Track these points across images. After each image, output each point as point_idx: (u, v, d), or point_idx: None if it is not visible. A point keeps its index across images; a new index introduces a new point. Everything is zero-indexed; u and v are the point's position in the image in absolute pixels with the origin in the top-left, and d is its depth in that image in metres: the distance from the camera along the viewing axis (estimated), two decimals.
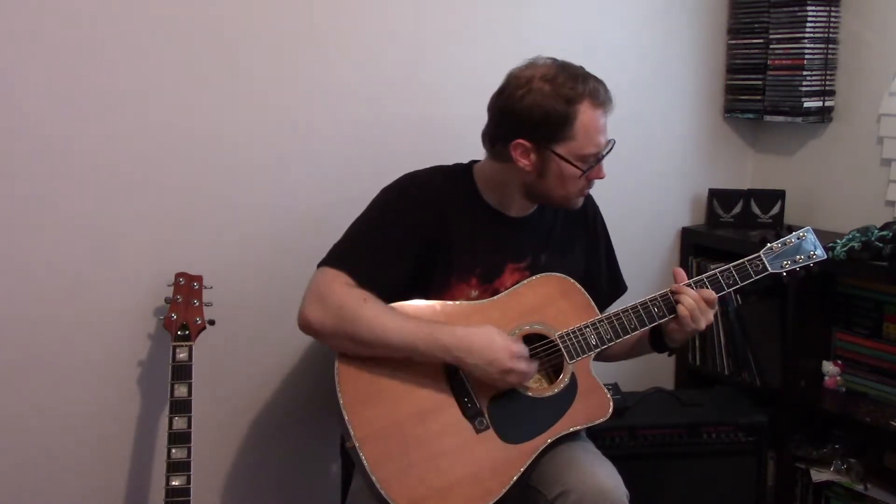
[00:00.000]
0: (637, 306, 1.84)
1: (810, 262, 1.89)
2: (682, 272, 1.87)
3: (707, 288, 1.85)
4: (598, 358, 1.89)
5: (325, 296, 1.71)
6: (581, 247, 2.01)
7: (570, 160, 1.76)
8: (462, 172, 1.91)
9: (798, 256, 1.89)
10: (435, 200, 1.83)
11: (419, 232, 1.80)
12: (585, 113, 1.74)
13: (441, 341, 1.70)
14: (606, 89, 1.78)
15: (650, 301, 1.84)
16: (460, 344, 1.70)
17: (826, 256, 1.92)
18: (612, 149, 1.81)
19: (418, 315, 1.76)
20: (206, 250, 2.04)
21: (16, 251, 1.83)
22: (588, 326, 1.83)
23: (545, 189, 1.82)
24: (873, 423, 2.40)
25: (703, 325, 1.81)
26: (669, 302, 1.83)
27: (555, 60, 1.79)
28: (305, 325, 1.73)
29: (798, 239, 1.90)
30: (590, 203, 2.04)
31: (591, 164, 1.79)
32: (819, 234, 1.96)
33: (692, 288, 1.83)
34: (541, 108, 1.73)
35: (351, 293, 1.71)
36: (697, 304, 1.80)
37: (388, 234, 1.79)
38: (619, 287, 2.08)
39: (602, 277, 2.03)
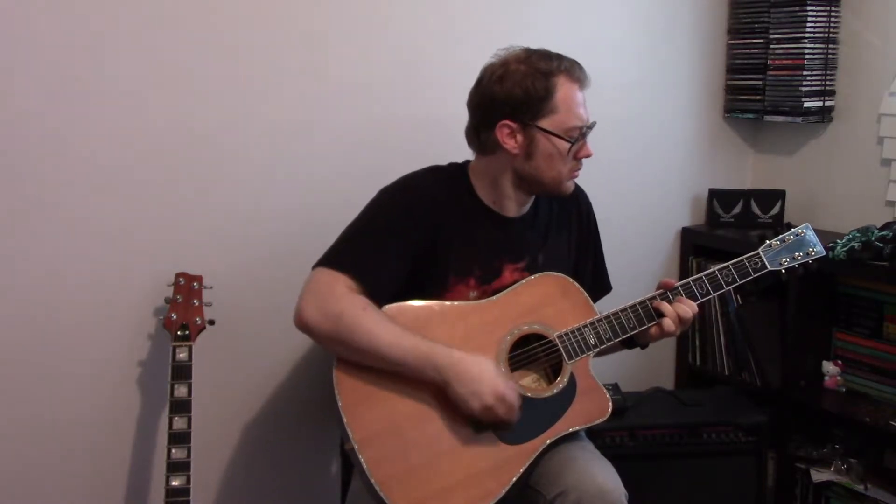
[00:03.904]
0: (636, 305, 1.84)
1: (809, 259, 1.90)
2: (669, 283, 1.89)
3: (704, 286, 1.87)
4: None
5: (325, 299, 1.71)
6: (572, 242, 2.01)
7: (556, 133, 1.77)
8: (458, 172, 1.91)
9: (797, 253, 1.89)
10: (432, 202, 1.83)
11: (417, 234, 1.80)
12: (564, 86, 1.77)
13: (434, 361, 1.68)
14: (581, 68, 1.81)
15: (648, 300, 1.84)
16: (452, 367, 1.68)
17: (825, 253, 1.92)
18: (593, 127, 1.82)
19: (416, 317, 1.76)
20: (206, 250, 2.04)
21: (15, 251, 1.84)
22: (587, 326, 1.83)
23: (535, 171, 1.82)
24: (873, 423, 2.40)
25: (679, 331, 1.85)
26: (668, 300, 1.84)
27: (525, 47, 1.82)
28: (302, 325, 1.73)
29: (796, 236, 1.91)
30: (583, 199, 2.04)
31: (577, 138, 1.79)
32: (819, 234, 1.96)
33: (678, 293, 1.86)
34: (520, 87, 1.76)
35: (351, 300, 1.71)
36: (682, 320, 1.83)
37: (386, 236, 1.79)
38: (603, 286, 2.07)
39: (587, 273, 2.02)
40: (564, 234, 2.00)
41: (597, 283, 2.05)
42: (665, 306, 1.83)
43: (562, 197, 1.92)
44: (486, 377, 1.68)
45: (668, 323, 1.82)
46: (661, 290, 1.86)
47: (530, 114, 1.77)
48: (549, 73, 1.77)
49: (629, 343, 1.92)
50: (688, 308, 1.84)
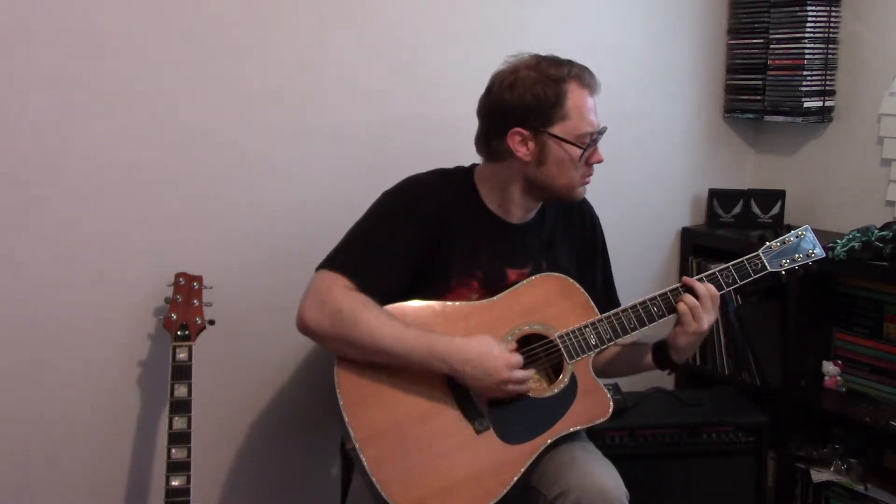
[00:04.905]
0: (636, 305, 1.84)
1: (809, 261, 1.89)
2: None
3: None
4: (601, 374, 1.89)
5: (324, 299, 1.71)
6: (576, 256, 2.01)
7: (568, 140, 1.77)
8: (463, 176, 1.91)
9: (797, 255, 1.89)
10: (436, 205, 1.83)
11: (420, 237, 1.80)
12: (575, 92, 1.77)
13: (438, 352, 1.69)
14: (591, 74, 1.81)
15: (649, 300, 1.84)
16: (458, 355, 1.69)
17: (825, 255, 1.92)
18: (604, 132, 1.82)
19: (417, 317, 1.76)
20: (206, 250, 2.04)
21: (16, 251, 1.83)
22: (587, 326, 1.82)
23: (546, 178, 1.81)
24: (873, 423, 2.40)
25: (705, 324, 1.80)
26: (669, 301, 1.83)
27: (535, 54, 1.82)
28: (303, 327, 1.73)
29: (797, 238, 1.90)
30: (589, 213, 2.04)
31: (589, 144, 1.79)
32: (819, 234, 1.96)
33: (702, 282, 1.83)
34: (531, 94, 1.76)
35: (350, 297, 1.71)
36: (702, 302, 1.80)
37: (388, 239, 1.79)
38: (611, 303, 2.03)
39: (597, 293, 1.99)
40: (568, 244, 1.99)
41: (606, 301, 2.01)
42: (684, 296, 1.81)
43: (571, 204, 1.92)
44: (493, 352, 1.70)
45: (682, 306, 1.80)
46: (661, 291, 1.86)
47: (541, 120, 1.77)
48: (560, 80, 1.76)
49: (662, 364, 1.90)
50: (703, 288, 1.80)
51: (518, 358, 1.73)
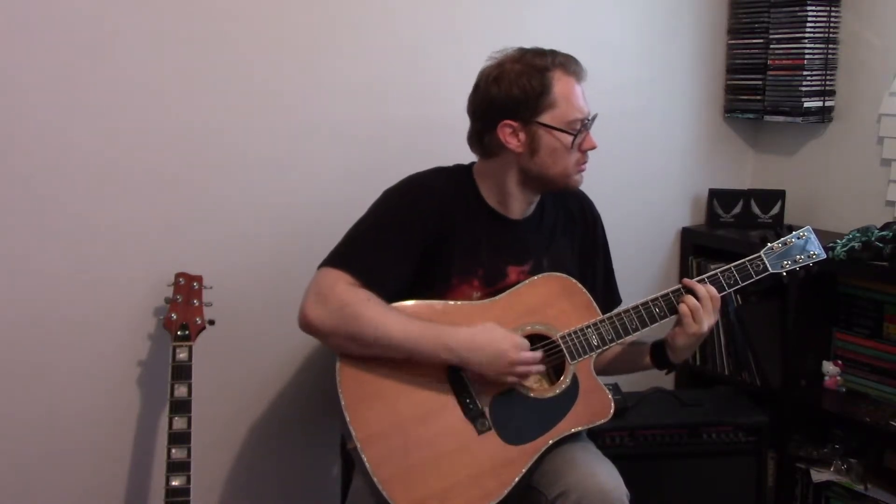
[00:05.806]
0: (638, 306, 1.84)
1: (810, 262, 1.89)
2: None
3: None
4: (600, 372, 1.89)
5: (326, 296, 1.71)
6: (578, 251, 2.01)
7: (557, 127, 1.78)
8: (463, 174, 1.91)
9: (798, 256, 1.89)
10: (437, 202, 1.83)
11: (422, 234, 1.80)
12: (560, 80, 1.78)
13: (445, 342, 1.70)
14: (577, 61, 1.82)
15: (651, 301, 1.84)
16: (465, 344, 1.70)
17: (826, 256, 1.92)
18: (595, 119, 1.82)
19: (418, 316, 1.76)
20: (206, 250, 2.03)
21: (16, 251, 1.83)
22: (590, 327, 1.82)
23: (541, 167, 1.81)
24: (873, 423, 2.40)
25: (705, 326, 1.80)
26: (671, 302, 1.83)
27: (520, 47, 1.83)
28: (306, 324, 1.73)
29: (798, 239, 1.90)
30: (590, 209, 2.04)
31: (580, 130, 1.80)
32: (819, 234, 1.96)
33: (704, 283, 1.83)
34: (517, 86, 1.77)
35: (354, 292, 1.71)
36: (703, 303, 1.80)
37: (390, 236, 1.79)
38: (613, 300, 2.04)
39: (597, 289, 1.99)
40: (568, 239, 1.99)
41: (607, 298, 2.01)
42: (685, 297, 1.81)
43: (569, 193, 1.92)
44: (499, 336, 1.72)
45: (683, 307, 1.80)
46: (662, 292, 1.86)
47: (530, 111, 1.78)
48: (545, 69, 1.77)
49: (660, 364, 1.91)
50: (704, 290, 1.80)
51: (524, 340, 1.74)
